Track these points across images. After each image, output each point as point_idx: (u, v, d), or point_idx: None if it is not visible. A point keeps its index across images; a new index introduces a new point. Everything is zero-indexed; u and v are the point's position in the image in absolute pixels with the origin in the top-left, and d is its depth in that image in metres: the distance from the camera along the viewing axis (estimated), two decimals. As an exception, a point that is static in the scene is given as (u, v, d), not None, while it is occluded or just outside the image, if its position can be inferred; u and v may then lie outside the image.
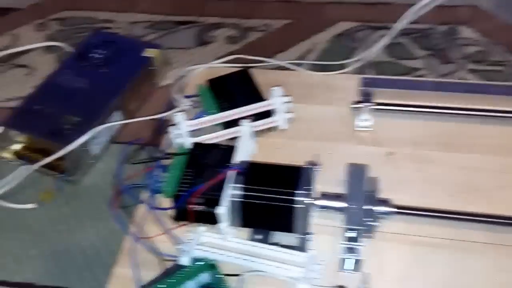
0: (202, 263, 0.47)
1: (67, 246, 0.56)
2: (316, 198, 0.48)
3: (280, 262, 0.47)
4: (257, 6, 0.85)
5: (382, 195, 0.50)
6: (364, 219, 0.45)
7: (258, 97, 0.60)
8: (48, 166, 0.61)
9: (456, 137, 0.58)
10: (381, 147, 0.58)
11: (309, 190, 0.46)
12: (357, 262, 0.46)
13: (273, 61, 0.70)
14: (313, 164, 0.49)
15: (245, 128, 0.55)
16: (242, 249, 0.49)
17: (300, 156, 0.56)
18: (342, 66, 0.70)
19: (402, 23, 0.64)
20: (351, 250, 0.46)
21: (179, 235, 0.51)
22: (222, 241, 0.49)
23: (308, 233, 0.48)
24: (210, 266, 0.48)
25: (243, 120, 0.56)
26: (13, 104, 0.74)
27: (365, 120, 0.59)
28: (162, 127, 0.63)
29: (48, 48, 0.84)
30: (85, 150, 0.61)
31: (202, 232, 0.50)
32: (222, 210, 0.47)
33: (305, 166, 0.49)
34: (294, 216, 0.46)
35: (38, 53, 0.83)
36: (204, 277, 0.47)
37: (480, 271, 0.47)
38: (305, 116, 0.62)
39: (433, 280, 0.47)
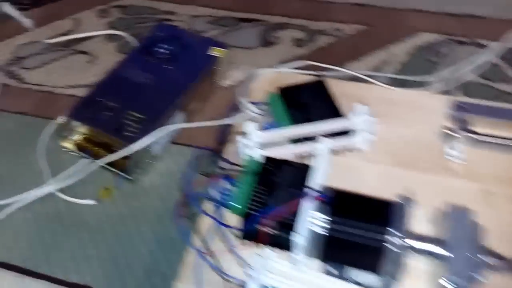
0: (272, 292, 0.42)
1: (125, 250, 0.51)
2: (408, 239, 0.41)
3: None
4: (327, 7, 0.76)
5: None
6: (471, 271, 0.38)
7: (335, 112, 0.52)
8: (109, 162, 0.56)
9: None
10: (476, 183, 0.49)
11: (402, 229, 0.40)
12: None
13: (347, 71, 0.62)
14: (407, 199, 0.42)
15: (324, 147, 0.49)
16: (316, 283, 0.43)
17: (380, 183, 0.49)
18: (423, 84, 0.62)
19: (503, 44, 0.55)
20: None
21: (245, 255, 0.45)
22: (294, 270, 0.44)
23: (394, 276, 0.42)
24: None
25: (321, 138, 0.49)
26: (74, 91, 0.70)
27: (458, 150, 0.50)
28: (225, 132, 0.58)
29: (109, 36, 0.78)
30: (147, 150, 0.55)
31: (271, 257, 0.44)
32: (300, 238, 0.41)
33: (398, 202, 0.42)
34: (384, 256, 0.40)
35: (99, 40, 0.78)
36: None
37: None
38: (385, 137, 0.53)
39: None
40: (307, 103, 0.54)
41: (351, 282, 0.42)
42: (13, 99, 0.70)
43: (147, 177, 0.57)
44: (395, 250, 0.39)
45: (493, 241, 0.42)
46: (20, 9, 0.84)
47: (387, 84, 0.61)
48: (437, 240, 0.41)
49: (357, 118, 0.50)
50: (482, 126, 0.51)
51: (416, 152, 0.52)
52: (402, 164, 0.51)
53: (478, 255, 0.39)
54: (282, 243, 0.42)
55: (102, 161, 0.55)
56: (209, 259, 0.44)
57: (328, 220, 0.40)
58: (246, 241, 0.45)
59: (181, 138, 0.61)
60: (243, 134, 0.50)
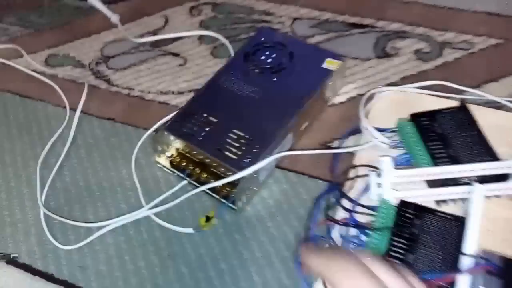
0: None
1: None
2: None
3: None
4: (454, 15, 0.67)
5: None
6: None
7: (486, 149, 0.45)
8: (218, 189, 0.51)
9: None
10: None
11: None
12: None
13: (485, 95, 0.53)
14: None
15: (478, 195, 0.41)
16: None
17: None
18: None
19: None
20: None
21: None
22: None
23: None
24: None
25: (475, 183, 0.42)
26: (165, 98, 0.65)
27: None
28: (339, 160, 0.51)
29: (201, 37, 0.73)
30: (254, 177, 0.50)
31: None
32: None
33: None
34: None
35: (190, 41, 0.73)
36: None
37: None
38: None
39: None
40: (447, 135, 0.47)
41: None
42: (100, 102, 0.67)
43: (250, 205, 0.52)
44: None
45: None
46: (107, 2, 0.80)
47: None
48: None
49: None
50: None
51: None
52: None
53: None
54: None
55: (206, 186, 0.50)
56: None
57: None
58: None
59: (285, 162, 0.55)
60: (376, 169, 0.43)
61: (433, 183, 0.44)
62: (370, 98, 0.55)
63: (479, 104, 0.53)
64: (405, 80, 0.60)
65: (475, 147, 0.45)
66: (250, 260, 0.48)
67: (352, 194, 0.45)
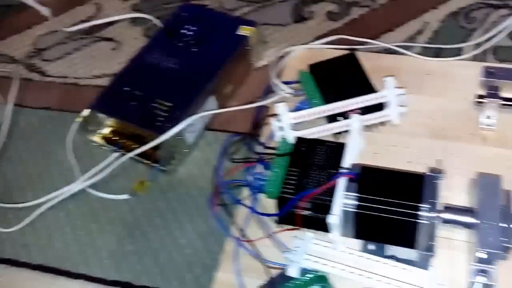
0: (312, 275, 0.47)
1: (165, 243, 0.57)
2: (440, 211, 0.45)
3: (397, 280, 0.46)
4: None
5: None
6: (503, 239, 0.43)
7: (368, 87, 0.57)
8: (141, 154, 0.62)
9: None
10: (509, 150, 0.54)
11: (434, 202, 0.44)
12: (487, 287, 0.44)
13: (380, 43, 0.67)
14: (437, 171, 0.47)
15: (355, 123, 0.53)
16: (355, 261, 0.48)
17: (415, 157, 0.54)
18: (458, 51, 0.66)
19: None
20: (482, 272, 0.44)
21: (283, 239, 0.51)
22: (332, 250, 0.49)
23: (430, 249, 0.46)
24: (321, 278, 0.47)
25: (352, 114, 0.54)
26: (100, 81, 0.76)
27: (490, 117, 0.55)
28: (260, 115, 0.63)
29: (134, 20, 0.84)
30: (180, 139, 0.61)
31: (310, 239, 0.50)
32: (334, 219, 0.46)
33: (428, 174, 0.46)
34: (417, 231, 0.44)
35: (123, 25, 0.84)
36: (312, 291, 0.47)
37: None
38: (419, 109, 0.59)
39: None
40: (338, 79, 0.59)
41: (390, 258, 0.47)
42: (35, 93, 0.77)
43: (183, 167, 0.63)
44: (428, 223, 0.43)
45: None
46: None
47: (421, 54, 0.66)
48: (469, 210, 0.45)
49: (387, 91, 0.55)
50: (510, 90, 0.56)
51: (450, 122, 0.58)
52: (434, 135, 0.57)
53: (507, 223, 0.44)
54: (318, 224, 0.48)
55: (133, 153, 0.61)
56: (248, 247, 0.50)
57: (358, 197, 0.45)
58: (283, 225, 0.50)
59: (216, 124, 0.66)
60: (276, 116, 0.55)
61: (331, 120, 0.56)
62: (284, 58, 0.66)
63: (376, 51, 0.67)
64: (318, 39, 0.71)
65: (359, 86, 0.57)
66: (183, 212, 0.59)
67: (264, 140, 0.57)
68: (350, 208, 0.45)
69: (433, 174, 0.47)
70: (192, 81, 0.64)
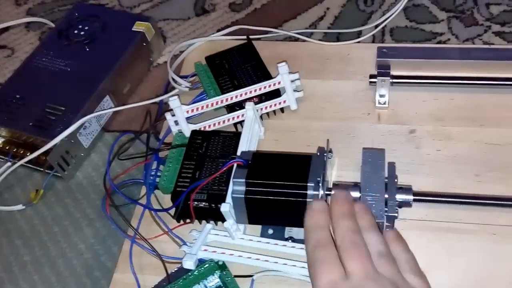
0: (209, 265, 0.50)
1: (63, 250, 0.58)
2: (327, 189, 0.49)
3: (294, 260, 0.49)
4: None
5: (404, 178, 0.52)
6: (386, 210, 0.47)
7: (265, 75, 0.61)
8: (34, 162, 0.63)
9: (483, 110, 0.59)
10: (402, 125, 0.59)
11: (320, 181, 0.48)
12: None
13: (281, 32, 0.71)
14: (324, 151, 0.50)
15: (249, 112, 0.56)
16: (253, 247, 0.51)
17: (315, 139, 0.58)
18: (358, 35, 0.71)
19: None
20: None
21: (184, 233, 0.53)
22: (231, 239, 0.51)
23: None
24: (219, 267, 0.50)
25: (246, 103, 0.57)
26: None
27: (382, 96, 0.60)
28: (161, 112, 0.65)
29: (29, 24, 0.85)
30: (74, 143, 0.62)
31: (208, 230, 0.52)
32: (226, 207, 0.48)
33: (316, 154, 0.50)
34: (305, 209, 0.47)
35: (18, 30, 0.84)
36: (213, 280, 0.50)
37: (488, 249, 0.49)
38: (319, 93, 0.63)
39: (458, 268, 0.48)
40: (235, 69, 0.62)
41: (289, 240, 0.51)
42: None
43: (81, 171, 0.64)
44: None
45: (413, 175, 0.54)
46: None
47: (322, 39, 0.70)
48: (355, 185, 0.49)
49: (280, 77, 0.58)
50: (405, 69, 0.61)
51: (348, 104, 0.62)
52: (333, 117, 0.61)
53: (391, 194, 0.48)
54: (214, 215, 0.50)
55: (21, 161, 0.62)
56: (145, 245, 0.52)
57: (246, 182, 0.48)
58: (182, 220, 0.52)
59: (116, 125, 0.68)
60: (170, 110, 0.57)
61: (231, 111, 0.59)
62: (183, 52, 0.69)
63: (279, 40, 0.71)
64: (220, 31, 0.74)
65: (256, 74, 0.60)
66: (81, 217, 0.61)
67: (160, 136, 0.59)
68: (239, 194, 0.48)
69: (320, 154, 0.50)
70: (84, 82, 0.66)
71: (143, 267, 0.52)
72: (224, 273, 0.50)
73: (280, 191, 0.48)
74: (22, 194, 0.63)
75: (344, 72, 0.65)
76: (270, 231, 0.52)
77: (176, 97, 0.57)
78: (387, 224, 0.47)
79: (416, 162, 0.56)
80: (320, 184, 0.47)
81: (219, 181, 0.51)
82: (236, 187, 0.48)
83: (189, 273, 0.49)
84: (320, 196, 0.47)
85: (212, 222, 0.53)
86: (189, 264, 0.49)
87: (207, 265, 0.50)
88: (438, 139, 0.57)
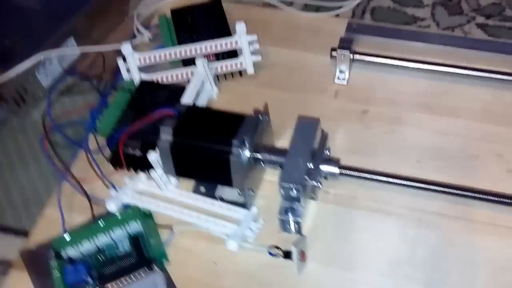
0: (132, 211, 0.53)
1: (6, 182, 0.62)
2: (254, 150, 0.51)
3: (216, 218, 0.52)
4: None
5: (344, 155, 0.54)
6: (308, 178, 0.49)
7: (226, 35, 0.63)
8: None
9: (440, 98, 0.60)
10: (356, 104, 0.61)
11: (247, 140, 0.50)
12: (296, 223, 0.50)
13: None
14: (261, 113, 0.52)
15: (199, 67, 0.59)
16: (181, 201, 0.54)
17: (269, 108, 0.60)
18: (334, 8, 0.72)
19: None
20: (290, 210, 0.50)
21: (119, 181, 0.56)
22: (160, 190, 0.55)
23: (251, 189, 0.52)
24: (143, 214, 0.53)
25: (198, 58, 0.59)
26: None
27: (342, 72, 0.62)
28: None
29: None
30: (33, 79, 0.66)
31: (139, 178, 0.55)
32: (153, 156, 0.51)
33: (250, 115, 0.52)
34: (230, 168, 0.50)
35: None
36: (134, 226, 0.53)
37: (432, 245, 0.50)
38: (282, 62, 0.66)
39: (374, 249, 0.51)
40: (197, 25, 0.65)
41: (218, 199, 0.54)
42: None
43: (38, 110, 0.68)
44: (238, 161, 0.49)
45: (357, 154, 0.56)
46: None
47: (303, 10, 0.72)
48: (283, 151, 0.51)
49: (237, 36, 0.61)
50: (372, 48, 0.63)
51: (307, 77, 0.64)
52: (290, 88, 0.63)
53: (316, 163, 0.51)
54: (143, 164, 0.53)
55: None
56: (79, 186, 0.55)
57: (174, 132, 0.51)
58: (117, 167, 0.56)
59: (81, 69, 0.71)
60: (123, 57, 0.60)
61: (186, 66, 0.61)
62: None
63: (257, 5, 0.73)
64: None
65: (217, 33, 0.63)
66: (30, 154, 0.65)
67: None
68: (166, 143, 0.51)
69: (255, 116, 0.52)
70: (50, 19, 0.69)
71: (74, 206, 0.56)
72: (147, 221, 0.53)
73: (206, 144, 0.50)
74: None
75: (312, 44, 0.67)
76: (202, 189, 0.55)
77: (128, 43, 0.60)
78: (312, 195, 0.49)
79: (361, 142, 0.58)
80: (247, 144, 0.49)
81: (155, 131, 0.53)
82: (163, 135, 0.51)
83: (111, 216, 0.53)
84: (244, 156, 0.49)
85: (146, 172, 0.55)
86: (112, 207, 0.53)
87: (130, 211, 0.53)
88: (389, 122, 0.59)
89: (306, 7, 0.74)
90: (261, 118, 0.52)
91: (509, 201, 0.50)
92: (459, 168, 0.55)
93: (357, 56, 0.62)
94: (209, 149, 0.50)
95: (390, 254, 0.50)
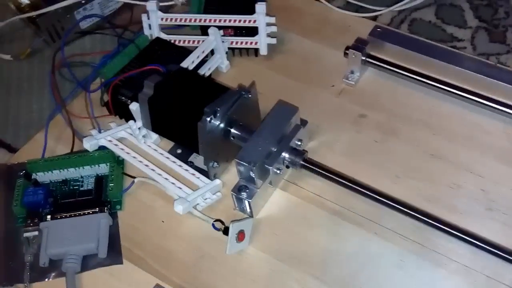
0: (104, 153, 0.54)
1: (20, 104, 0.66)
2: (225, 122, 0.50)
3: (178, 180, 0.52)
4: None
5: (323, 152, 0.53)
6: (267, 161, 0.48)
7: (251, 13, 0.61)
8: (32, 20, 0.69)
9: (444, 121, 0.56)
10: (357, 106, 0.58)
11: (221, 112, 0.49)
12: (247, 203, 0.49)
13: None
14: (245, 90, 0.51)
15: (211, 36, 0.59)
16: (153, 157, 0.54)
17: (268, 91, 0.58)
18: (377, 11, 0.70)
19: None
20: (244, 189, 0.49)
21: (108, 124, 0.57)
22: (137, 142, 0.55)
23: (216, 161, 0.51)
24: (114, 160, 0.54)
25: (212, 27, 0.59)
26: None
27: (352, 73, 0.59)
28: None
29: None
30: (69, 18, 0.68)
31: (123, 126, 0.56)
32: (134, 106, 0.52)
33: (234, 89, 0.51)
34: (197, 134, 0.49)
35: None
36: (103, 168, 0.54)
37: (353, 241, 0.49)
38: (300, 51, 0.64)
39: (318, 250, 0.48)
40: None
41: (188, 163, 0.54)
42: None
43: (70, 47, 0.70)
44: (207, 129, 0.48)
45: (339, 156, 0.54)
46: None
47: (342, 7, 0.70)
48: (252, 130, 0.50)
49: (256, 15, 0.60)
50: (393, 55, 0.60)
51: (319, 70, 0.63)
52: (299, 78, 0.62)
53: (280, 149, 0.49)
54: (126, 112, 0.54)
55: (19, 17, 0.69)
56: (68, 119, 0.56)
57: (156, 88, 0.51)
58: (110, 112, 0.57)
59: (119, 21, 0.72)
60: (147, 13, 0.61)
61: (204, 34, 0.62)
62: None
63: None
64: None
65: (242, 9, 0.61)
66: (47, 82, 0.66)
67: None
68: (145, 96, 0.51)
69: (237, 91, 0.51)
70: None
71: (61, 138, 0.58)
72: (116, 167, 0.54)
73: (180, 106, 0.50)
74: (15, 47, 0.71)
75: (336, 41, 0.64)
76: (179, 151, 0.55)
77: (154, 1, 0.60)
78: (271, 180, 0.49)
79: (348, 144, 0.55)
80: (218, 115, 0.49)
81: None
82: (145, 89, 0.51)
83: (86, 154, 0.54)
84: (213, 126, 0.48)
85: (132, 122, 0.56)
86: (87, 145, 0.54)
87: (103, 153, 0.54)
88: (382, 132, 0.56)
89: (347, 5, 0.71)
90: (244, 94, 0.51)
91: (464, 236, 0.46)
92: (435, 194, 0.51)
93: (369, 59, 0.59)
94: (182, 111, 0.50)
95: (331, 258, 0.48)
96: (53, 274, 0.49)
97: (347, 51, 0.59)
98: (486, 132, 0.55)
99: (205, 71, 0.59)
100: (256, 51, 0.63)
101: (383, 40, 0.60)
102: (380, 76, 0.60)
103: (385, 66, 0.59)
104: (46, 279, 0.49)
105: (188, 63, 0.57)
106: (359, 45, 0.59)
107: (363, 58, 0.58)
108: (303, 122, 0.53)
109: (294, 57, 0.63)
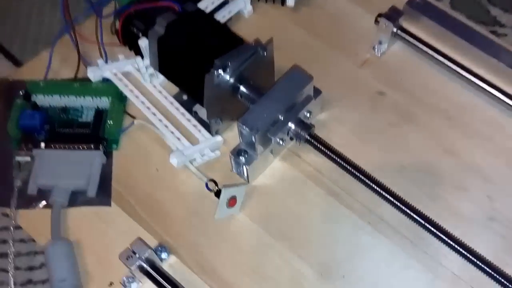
0: (107, 86, 0.51)
1: (28, 13, 0.62)
2: (235, 78, 0.46)
3: (179, 130, 0.49)
4: None
5: (332, 127, 0.50)
6: (271, 130, 0.45)
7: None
8: None
9: (465, 115, 0.52)
10: (377, 82, 0.54)
11: (232, 67, 0.45)
12: (245, 169, 0.46)
13: None
14: (261, 45, 0.47)
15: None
16: (156, 99, 0.51)
17: (290, 47, 0.55)
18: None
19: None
20: (244, 153, 0.46)
21: (118, 53, 0.53)
22: (143, 80, 0.52)
23: (220, 117, 0.49)
24: (117, 95, 0.51)
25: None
26: None
27: (381, 44, 0.55)
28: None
29: None
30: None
31: (131, 60, 0.52)
32: (143, 42, 0.48)
33: (250, 44, 0.47)
34: (205, 87, 0.45)
35: None
36: (105, 102, 0.51)
37: (345, 228, 0.46)
38: (331, 8, 0.59)
39: (312, 229, 0.46)
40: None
41: (192, 113, 0.51)
42: None
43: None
44: (214, 82, 0.45)
45: (345, 136, 0.51)
46: None
47: None
48: (261, 91, 0.47)
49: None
50: (426, 30, 0.55)
51: (346, 33, 0.58)
52: (325, 39, 0.57)
53: (286, 118, 0.46)
54: (136, 45, 0.50)
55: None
56: (75, 40, 0.53)
57: (168, 28, 0.47)
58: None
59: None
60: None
61: None
62: None
63: None
64: None
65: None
66: None
67: None
68: (156, 34, 0.47)
69: (253, 46, 0.47)
70: None
71: (68, 61, 0.54)
72: (118, 103, 0.51)
73: (190, 53, 0.47)
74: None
75: (373, 5, 0.58)
76: (185, 97, 0.52)
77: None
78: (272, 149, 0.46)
79: (359, 122, 0.52)
80: (228, 70, 0.45)
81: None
82: (156, 26, 0.48)
83: (90, 83, 0.51)
84: (222, 80, 0.45)
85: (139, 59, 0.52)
86: (91, 74, 0.51)
87: (107, 86, 0.51)
88: (399, 115, 0.52)
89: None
90: (260, 50, 0.47)
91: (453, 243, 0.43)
92: (439, 193, 0.47)
93: (399, 32, 0.54)
94: (191, 58, 0.47)
95: (319, 240, 0.46)
96: (40, 204, 0.48)
97: (378, 19, 0.54)
98: (508, 137, 0.51)
99: (224, 13, 0.55)
100: (283, 0, 0.58)
101: (420, 12, 0.55)
102: (408, 53, 0.55)
103: (415, 42, 0.54)
104: (32, 208, 0.48)
105: (208, 3, 0.52)
106: (393, 13, 0.54)
107: (394, 30, 0.54)
108: (317, 92, 0.49)
109: (322, 14, 0.58)
